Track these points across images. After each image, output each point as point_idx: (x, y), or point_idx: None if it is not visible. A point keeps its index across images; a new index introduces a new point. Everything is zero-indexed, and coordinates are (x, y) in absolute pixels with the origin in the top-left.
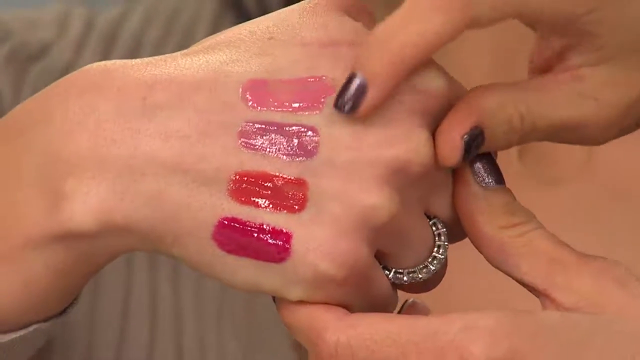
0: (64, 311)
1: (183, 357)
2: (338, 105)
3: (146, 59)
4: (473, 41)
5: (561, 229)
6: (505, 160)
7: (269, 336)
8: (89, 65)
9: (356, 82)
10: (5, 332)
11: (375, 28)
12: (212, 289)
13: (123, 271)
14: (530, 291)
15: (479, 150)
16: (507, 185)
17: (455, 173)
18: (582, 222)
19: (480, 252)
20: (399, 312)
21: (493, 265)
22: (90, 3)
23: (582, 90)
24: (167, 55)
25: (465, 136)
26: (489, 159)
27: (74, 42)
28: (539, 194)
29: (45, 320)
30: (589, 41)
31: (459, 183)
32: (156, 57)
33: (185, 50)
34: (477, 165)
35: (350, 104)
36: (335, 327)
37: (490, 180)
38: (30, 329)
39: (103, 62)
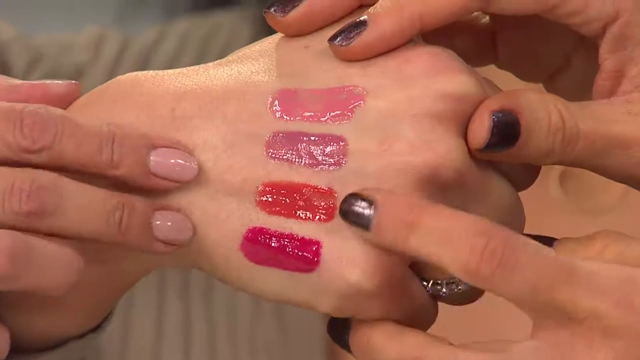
0: (99, 326)
1: None
2: (331, 38)
3: (178, 70)
4: None
5: None
6: (546, 188)
7: None
8: (120, 76)
9: (356, 20)
10: (40, 350)
11: None
12: (244, 315)
13: (155, 299)
14: None
15: (514, 140)
16: (548, 213)
17: None
18: None
19: None
20: None
21: None
22: (125, 26)
23: (631, 109)
24: (200, 65)
25: (495, 116)
26: None
27: (108, 65)
28: (579, 223)
29: (79, 337)
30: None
31: None
32: (189, 68)
33: (219, 60)
34: None
35: (343, 36)
36: None
37: None
38: (66, 346)
39: (135, 73)
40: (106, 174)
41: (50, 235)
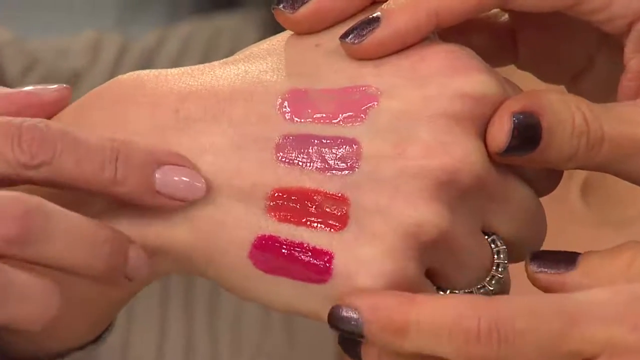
0: (99, 337)
1: None
2: (343, 36)
3: (183, 68)
4: None
5: None
6: (569, 201)
7: None
8: (122, 75)
9: (369, 17)
10: None
11: None
12: (250, 326)
13: (157, 308)
14: None
15: (536, 144)
16: (570, 226)
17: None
18: None
19: None
20: None
21: None
22: (125, 30)
23: None
24: (205, 64)
25: (515, 117)
26: (543, 255)
27: (107, 69)
28: (603, 236)
29: (79, 348)
30: None
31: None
32: (193, 67)
33: (225, 59)
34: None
35: (355, 34)
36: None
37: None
38: (65, 357)
39: (137, 72)
40: (108, 192)
41: (31, 263)
